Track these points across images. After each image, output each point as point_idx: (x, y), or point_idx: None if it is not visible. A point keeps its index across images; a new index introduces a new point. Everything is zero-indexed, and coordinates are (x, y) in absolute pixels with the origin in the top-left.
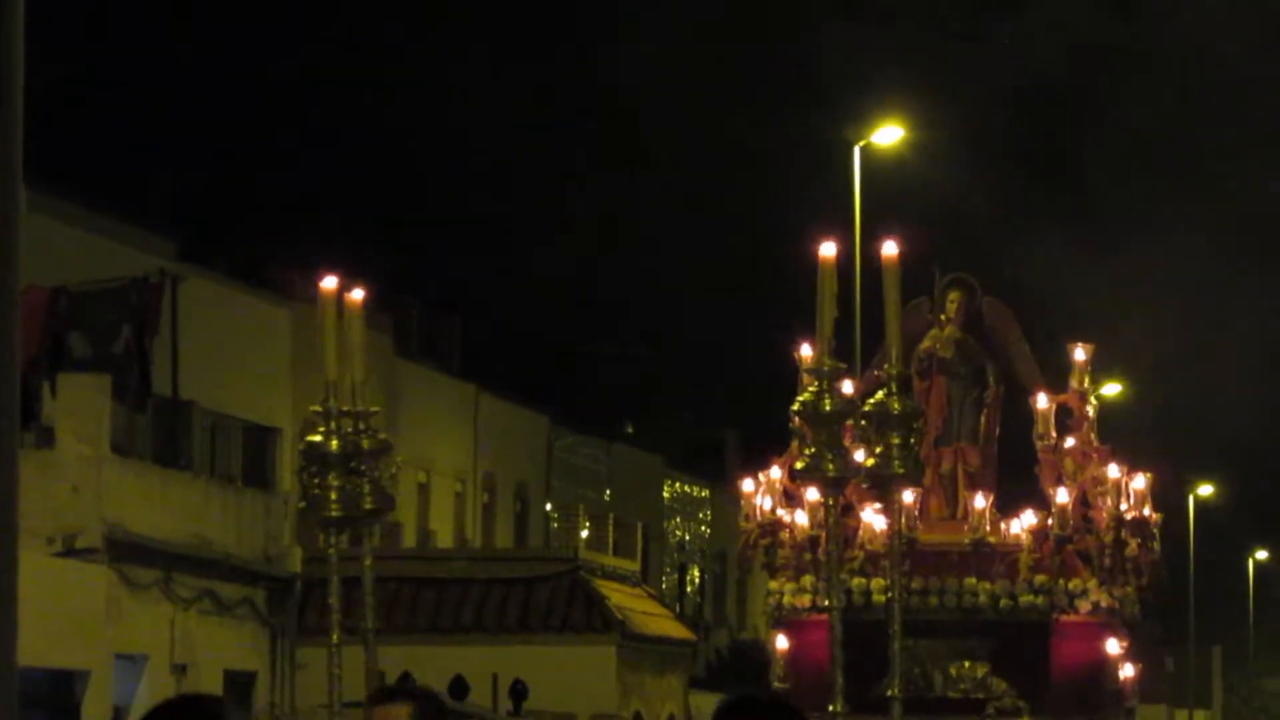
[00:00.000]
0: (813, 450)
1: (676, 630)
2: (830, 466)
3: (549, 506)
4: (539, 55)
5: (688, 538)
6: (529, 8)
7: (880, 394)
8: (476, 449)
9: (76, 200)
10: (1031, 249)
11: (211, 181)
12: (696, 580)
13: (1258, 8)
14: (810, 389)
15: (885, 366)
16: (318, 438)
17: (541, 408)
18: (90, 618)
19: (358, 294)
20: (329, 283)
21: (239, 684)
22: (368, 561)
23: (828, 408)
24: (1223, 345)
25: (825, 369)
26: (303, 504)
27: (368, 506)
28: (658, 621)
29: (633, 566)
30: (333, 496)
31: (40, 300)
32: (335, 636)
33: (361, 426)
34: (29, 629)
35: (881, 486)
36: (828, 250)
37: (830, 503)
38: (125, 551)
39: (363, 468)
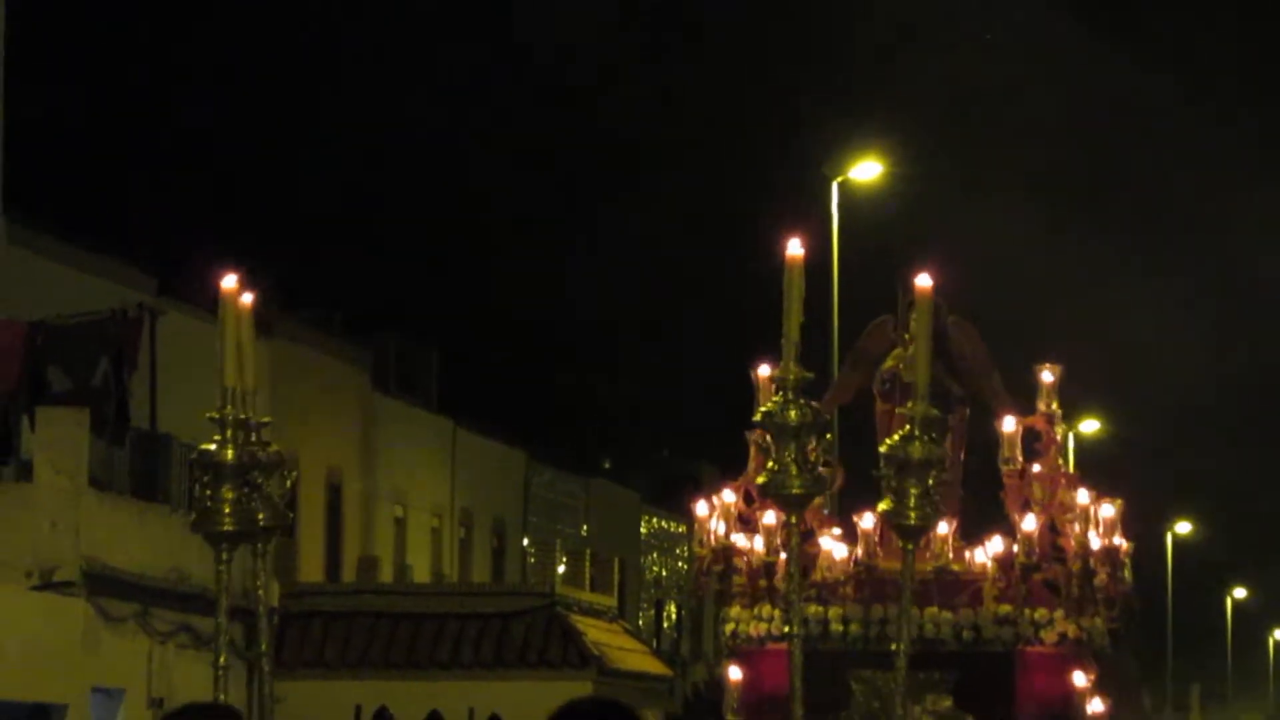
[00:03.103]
0: (775, 466)
1: (653, 666)
2: (796, 484)
3: (526, 542)
4: (516, 80)
5: (664, 573)
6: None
7: (898, 435)
8: (454, 484)
9: (55, 234)
10: (1010, 279)
11: (190, 216)
12: (673, 616)
13: None
14: (775, 399)
15: (909, 405)
16: (211, 446)
17: (519, 443)
18: (68, 651)
19: (247, 298)
20: (229, 282)
21: None
22: (260, 581)
23: (794, 419)
24: (1202, 385)
25: (791, 378)
26: (193, 516)
27: (261, 523)
28: (634, 657)
29: (609, 602)
30: (225, 510)
31: (19, 334)
32: (222, 658)
33: (254, 438)
34: (7, 662)
35: (899, 534)
36: (795, 249)
37: (793, 521)
38: (103, 585)
39: (259, 481)
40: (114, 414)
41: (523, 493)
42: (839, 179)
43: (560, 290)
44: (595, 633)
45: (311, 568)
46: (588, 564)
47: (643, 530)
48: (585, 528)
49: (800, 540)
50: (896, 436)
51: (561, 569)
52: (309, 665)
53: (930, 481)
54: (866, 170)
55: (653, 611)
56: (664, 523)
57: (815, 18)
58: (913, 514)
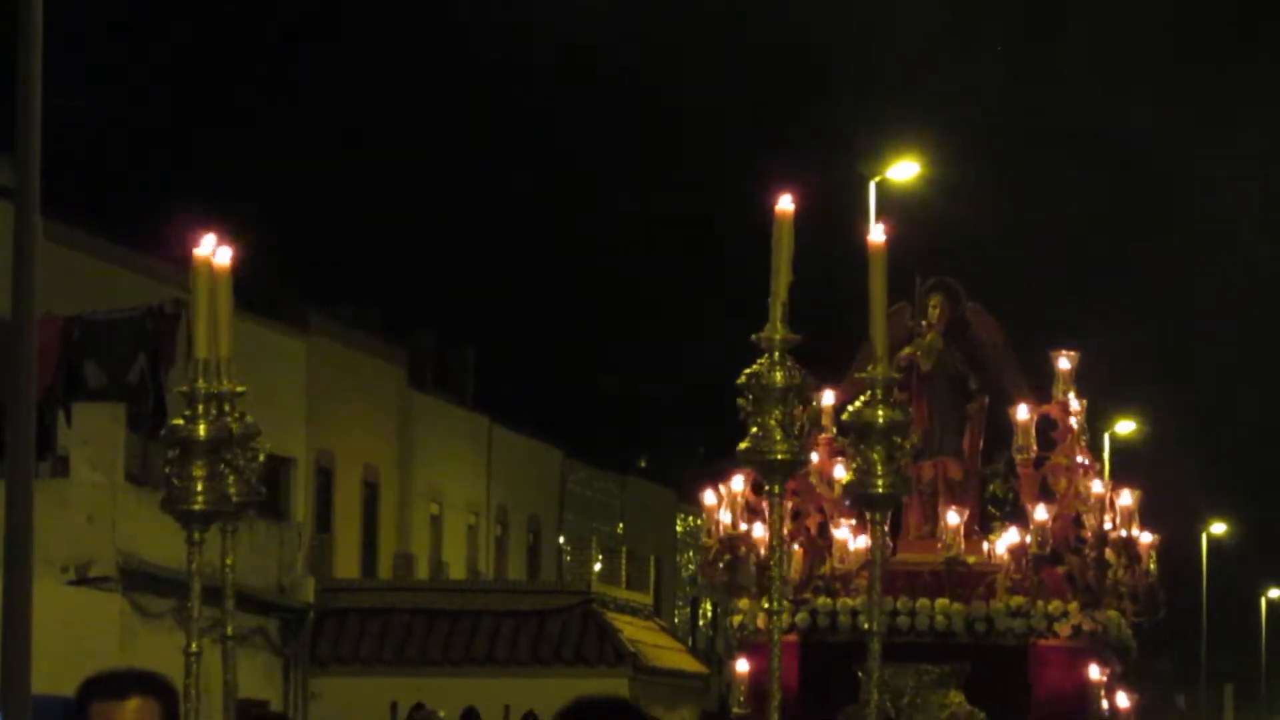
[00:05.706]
0: (757, 430)
1: (689, 663)
2: (779, 449)
3: (562, 539)
4: (553, 77)
5: None
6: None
7: (860, 401)
8: (490, 481)
9: (92, 230)
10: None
11: (226, 213)
12: (709, 614)
13: None
14: (761, 360)
15: (870, 368)
16: (180, 421)
17: (555, 441)
18: (104, 646)
19: (225, 255)
20: (205, 247)
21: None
22: (230, 560)
23: (779, 381)
24: (1240, 384)
25: (777, 338)
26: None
27: (235, 499)
28: (670, 655)
29: (645, 599)
30: (198, 488)
31: (55, 330)
32: (195, 645)
33: (227, 409)
34: (43, 657)
35: (865, 505)
36: (785, 204)
37: (776, 491)
38: (139, 580)
39: (234, 456)
40: (150, 410)
41: (559, 490)
42: (876, 178)
43: (596, 288)
44: (631, 630)
45: (348, 564)
46: (624, 561)
47: (678, 528)
48: (621, 525)
49: (816, 533)
50: (859, 402)
51: (597, 566)
52: (345, 661)
53: (895, 451)
54: (904, 170)
55: (688, 609)
56: (699, 520)
57: (854, 17)
58: (879, 482)
